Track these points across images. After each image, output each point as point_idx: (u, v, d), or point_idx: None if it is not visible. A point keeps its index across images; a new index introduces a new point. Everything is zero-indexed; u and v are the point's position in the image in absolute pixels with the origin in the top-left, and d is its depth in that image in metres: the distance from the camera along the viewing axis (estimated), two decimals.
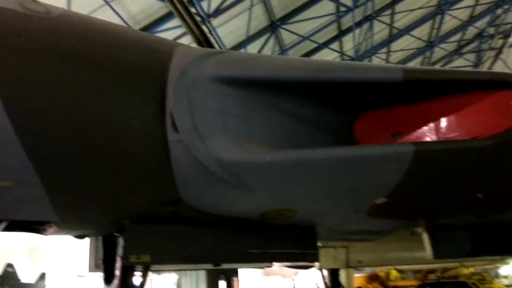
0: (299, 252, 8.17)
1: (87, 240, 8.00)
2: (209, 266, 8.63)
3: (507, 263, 24.57)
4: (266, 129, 5.95)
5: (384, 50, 31.74)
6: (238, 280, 21.46)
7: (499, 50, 26.29)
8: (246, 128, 5.73)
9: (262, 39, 25.94)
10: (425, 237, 9.46)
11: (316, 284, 29.22)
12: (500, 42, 26.32)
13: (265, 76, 5.89)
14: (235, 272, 19.86)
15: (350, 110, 6.76)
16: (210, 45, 19.54)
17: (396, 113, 6.78)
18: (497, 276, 26.32)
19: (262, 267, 21.17)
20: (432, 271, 25.44)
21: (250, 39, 24.63)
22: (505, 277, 25.80)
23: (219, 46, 22.48)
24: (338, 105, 6.61)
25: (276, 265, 17.40)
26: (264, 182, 5.89)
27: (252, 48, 25.04)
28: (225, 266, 8.66)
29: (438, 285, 15.78)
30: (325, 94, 6.27)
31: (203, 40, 19.01)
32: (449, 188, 7.51)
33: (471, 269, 25.83)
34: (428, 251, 9.60)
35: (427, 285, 16.21)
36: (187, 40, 19.95)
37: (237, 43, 24.82)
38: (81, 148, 4.78)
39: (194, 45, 18.50)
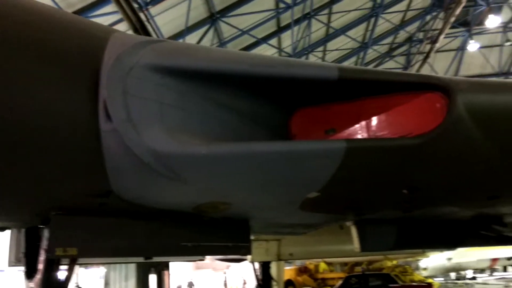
0: (232, 245, 8.19)
1: (7, 233, 7.56)
2: (140, 260, 8.46)
3: (427, 256, 26.15)
4: (202, 121, 5.88)
5: (321, 48, 32.51)
6: (169, 274, 21.23)
7: (427, 55, 27.72)
8: (182, 120, 5.63)
9: (201, 30, 25.67)
10: (354, 231, 9.83)
11: (244, 280, 29.56)
12: (428, 47, 27.76)
13: (203, 68, 5.80)
14: (166, 266, 19.63)
15: (286, 105, 6.84)
16: (147, 34, 19.04)
17: (331, 111, 6.95)
18: (418, 268, 27.92)
19: (194, 260, 21.07)
20: (358, 263, 26.57)
21: (189, 29, 24.30)
22: (424, 269, 27.46)
23: (157, 35, 21.96)
24: (275, 100, 6.67)
25: (208, 258, 17.35)
26: (199, 175, 5.83)
27: (191, 39, 24.71)
28: (156, 259, 8.51)
29: (363, 277, 16.48)
30: (263, 88, 6.29)
31: (140, 28, 18.48)
32: (377, 184, 7.83)
33: (394, 262, 27.22)
34: (356, 244, 9.99)
35: (353, 277, 16.86)
36: (123, 27, 19.30)
37: (175, 33, 24.38)
38: (3, 135, 4.48)
39: (130, 32, 17.94)
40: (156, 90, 5.42)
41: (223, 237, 7.91)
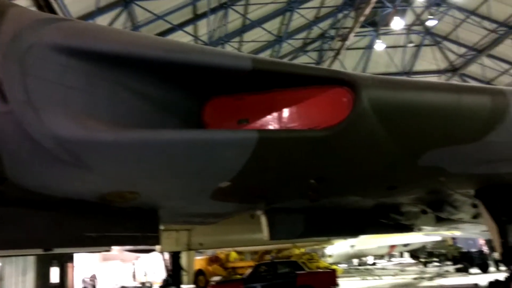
0: (140, 235, 7.97)
1: None
2: (39, 252, 7.97)
3: (332, 244, 27.51)
4: (110, 106, 5.58)
5: (237, 39, 32.62)
6: (73, 266, 20.27)
7: (338, 51, 28.88)
8: (88, 104, 5.30)
9: (113, 12, 24.53)
10: (263, 220, 10.05)
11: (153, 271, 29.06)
12: (339, 44, 28.95)
13: (112, 50, 5.50)
14: (70, 258, 18.72)
15: (200, 94, 6.75)
16: (53, 11, 17.82)
17: (244, 101, 6.97)
18: (323, 255, 29.28)
19: (99, 252, 20.30)
20: (268, 252, 27.26)
21: (100, 11, 23.09)
22: (330, 256, 28.88)
23: (63, 14, 20.65)
24: (188, 88, 6.55)
25: (116, 250, 16.77)
26: (105, 163, 5.57)
27: (102, 21, 23.52)
28: (58, 251, 8.07)
29: (272, 264, 16.94)
30: (176, 75, 6.14)
31: (44, 5, 17.22)
32: (287, 174, 8.04)
33: (302, 250, 28.32)
34: (265, 233, 10.22)
35: (262, 265, 17.28)
36: (24, 2, 17.90)
37: (85, 13, 23.05)
38: None
39: (33, 9, 16.67)
40: (59, 72, 5.05)
41: (130, 227, 7.67)
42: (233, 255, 26.71)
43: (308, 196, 9.45)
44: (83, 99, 5.26)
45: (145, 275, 30.69)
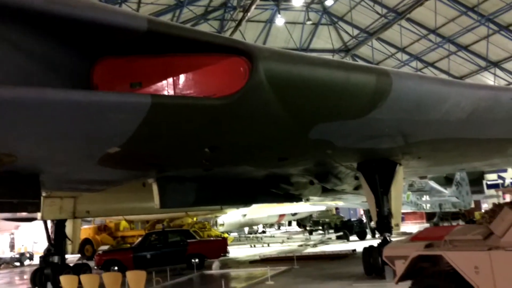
0: (18, 201, 7.38)
1: None
2: None
3: (225, 213, 28.00)
4: None
5: (135, 0, 31.05)
6: None
7: (239, 22, 28.81)
8: None
9: None
10: (155, 188, 9.85)
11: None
12: (241, 15, 28.86)
13: None
14: None
15: (89, 53, 6.28)
16: None
17: (137, 63, 6.64)
18: (216, 224, 29.73)
19: None
20: (160, 221, 26.98)
21: None
22: (221, 224, 29.36)
23: None
24: (76, 46, 6.05)
25: None
26: None
27: None
28: None
29: (163, 233, 16.81)
30: (61, 30, 5.61)
31: None
32: (181, 142, 7.90)
33: (195, 219, 28.49)
34: (156, 201, 10.05)
35: (153, 233, 17.07)
36: None
37: None
38: None
39: None
40: None
41: (6, 193, 7.07)
42: (123, 224, 26.05)
43: (202, 165, 9.45)
44: None
45: (23, 245, 28.85)
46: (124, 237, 25.68)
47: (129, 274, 9.06)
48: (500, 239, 5.05)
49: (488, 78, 29.56)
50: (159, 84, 6.66)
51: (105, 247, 22.80)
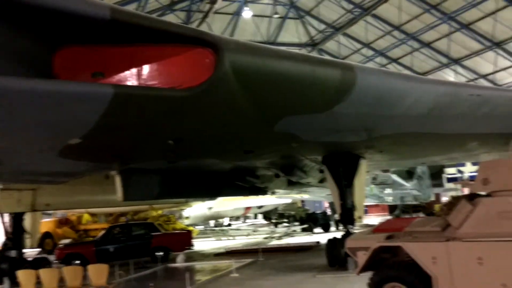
0: None
1: None
2: None
3: (190, 206, 27.84)
4: None
5: None
6: None
7: (206, 14, 28.53)
8: None
9: None
10: (117, 180, 9.66)
11: None
12: (208, 6, 28.58)
13: None
14: None
15: (49, 41, 6.07)
16: None
17: (100, 53, 6.46)
18: (181, 217, 29.52)
19: None
20: (124, 214, 26.56)
21: None
22: (187, 217, 29.20)
23: None
24: (36, 33, 5.84)
25: None
26: None
27: None
28: None
29: (126, 226, 16.56)
30: (20, 16, 5.41)
31: None
32: (144, 133, 7.77)
33: (160, 212, 28.19)
34: (119, 194, 9.86)
35: (116, 227, 16.79)
36: None
37: None
38: None
39: None
40: None
41: None
42: (86, 217, 25.49)
43: (166, 157, 9.34)
44: None
45: None
46: (87, 231, 25.13)
47: (91, 268, 8.88)
48: (457, 230, 5.22)
49: (449, 75, 30.38)
50: (123, 74, 6.52)
51: (67, 241, 22.28)
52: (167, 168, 10.30)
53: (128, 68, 6.53)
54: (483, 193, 5.49)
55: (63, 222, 24.77)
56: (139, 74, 6.55)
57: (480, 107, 9.21)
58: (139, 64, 6.56)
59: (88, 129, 6.41)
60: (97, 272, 8.73)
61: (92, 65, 6.39)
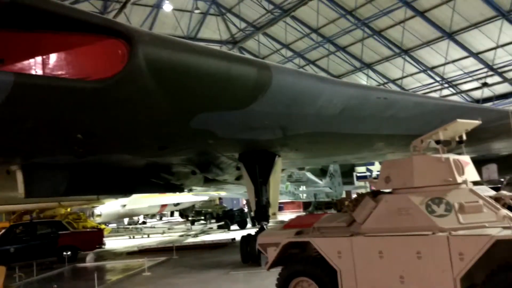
0: None
1: None
2: None
3: (103, 203, 26.75)
4: None
5: None
6: None
7: (124, 4, 27.54)
8: None
9: None
10: (19, 176, 9.02)
11: None
12: None
13: None
14: None
15: None
16: None
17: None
18: (92, 215, 28.26)
19: None
20: (29, 211, 24.89)
21: None
22: (98, 215, 28.00)
23: None
24: None
25: None
26: None
27: None
28: None
29: (30, 225, 15.53)
30: None
31: None
32: (50, 126, 7.30)
33: (69, 209, 26.78)
34: (21, 190, 9.21)
35: (19, 225, 15.69)
36: None
37: None
38: None
39: None
40: None
41: None
42: None
43: (74, 152, 8.86)
44: None
45: None
46: None
47: None
48: (361, 225, 5.47)
49: (361, 79, 31.93)
50: (26, 62, 6.08)
51: None
52: (76, 163, 9.78)
53: (32, 56, 6.11)
54: (386, 190, 5.81)
55: None
56: (44, 63, 6.15)
57: (386, 109, 9.74)
58: (45, 53, 6.16)
59: None
60: None
61: None
